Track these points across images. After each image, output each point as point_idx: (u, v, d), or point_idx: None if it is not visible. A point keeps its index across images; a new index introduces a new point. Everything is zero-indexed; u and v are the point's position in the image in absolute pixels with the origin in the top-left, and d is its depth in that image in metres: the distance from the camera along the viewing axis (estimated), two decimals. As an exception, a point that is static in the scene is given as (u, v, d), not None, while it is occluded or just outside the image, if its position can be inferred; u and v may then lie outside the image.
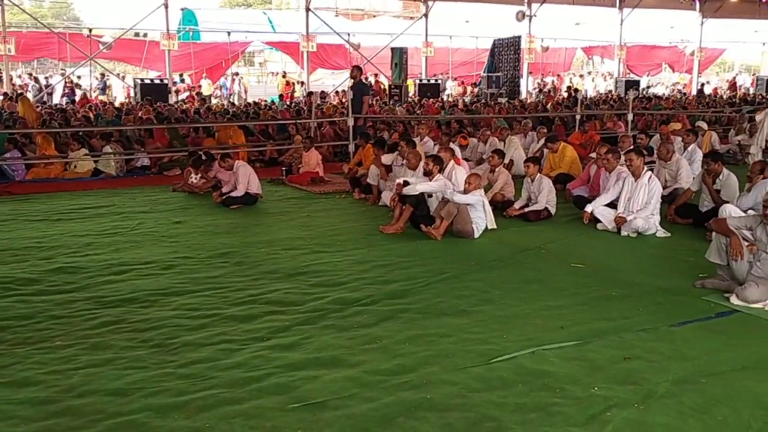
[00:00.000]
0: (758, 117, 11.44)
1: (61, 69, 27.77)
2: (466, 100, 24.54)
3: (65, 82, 24.77)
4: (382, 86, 26.95)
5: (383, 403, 3.57)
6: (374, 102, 20.20)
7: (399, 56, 26.08)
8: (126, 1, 28.08)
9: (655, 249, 6.98)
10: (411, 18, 31.50)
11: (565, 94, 26.29)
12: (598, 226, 7.64)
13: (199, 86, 26.62)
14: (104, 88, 25.22)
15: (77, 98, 22.82)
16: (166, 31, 23.90)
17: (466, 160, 11.22)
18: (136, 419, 3.43)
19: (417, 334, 4.55)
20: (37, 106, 18.05)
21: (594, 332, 4.56)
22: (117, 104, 21.09)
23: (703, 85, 33.17)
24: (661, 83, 36.67)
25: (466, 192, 7.32)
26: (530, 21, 28.94)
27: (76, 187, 10.66)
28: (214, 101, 24.35)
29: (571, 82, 33.26)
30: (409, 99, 23.98)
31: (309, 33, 26.44)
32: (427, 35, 28.72)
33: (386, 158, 9.52)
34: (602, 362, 4.08)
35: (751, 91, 30.95)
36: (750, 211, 6.26)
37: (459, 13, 31.49)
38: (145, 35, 26.89)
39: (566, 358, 4.14)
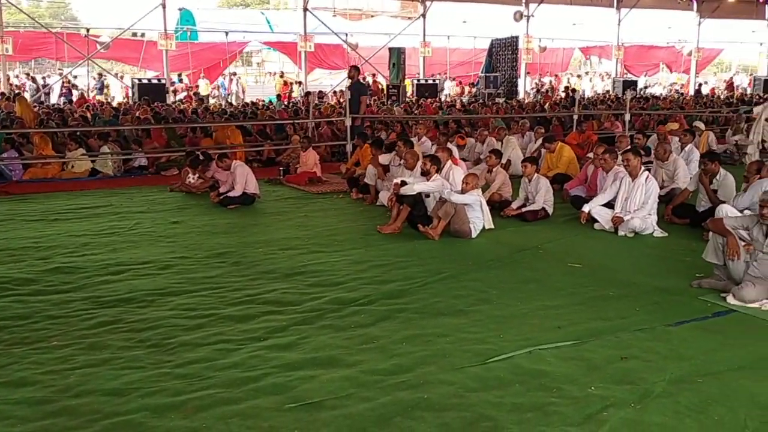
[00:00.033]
0: (757, 109, 11.47)
1: (59, 69, 27.76)
2: (464, 100, 24.56)
3: (62, 82, 24.74)
4: (380, 86, 26.96)
5: (380, 403, 3.57)
6: (372, 102, 20.22)
7: (397, 56, 26.11)
8: (124, 1, 28.12)
9: (652, 249, 6.99)
10: (409, 18, 31.54)
11: (563, 94, 26.32)
12: (596, 226, 7.65)
13: (197, 86, 26.60)
14: (102, 88, 25.20)
15: (74, 98, 22.80)
16: (164, 31, 23.89)
17: (464, 160, 11.21)
18: (132, 419, 3.43)
19: (414, 333, 4.55)
20: (35, 106, 18.04)
21: (591, 332, 4.56)
22: (115, 104, 21.09)
23: (700, 85, 33.22)
24: (659, 83, 36.72)
25: (463, 192, 7.32)
26: (528, 21, 28.98)
27: (74, 187, 10.65)
28: (211, 101, 24.34)
29: (568, 82, 33.29)
30: (407, 99, 24.00)
31: (307, 33, 26.45)
32: (424, 35, 28.74)
33: (384, 158, 9.52)
34: (599, 362, 4.09)
35: (749, 91, 30.98)
36: (746, 211, 6.27)
37: (457, 14, 31.56)
38: (142, 35, 26.89)
39: (563, 357, 4.15)
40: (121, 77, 27.21)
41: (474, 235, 7.27)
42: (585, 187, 8.91)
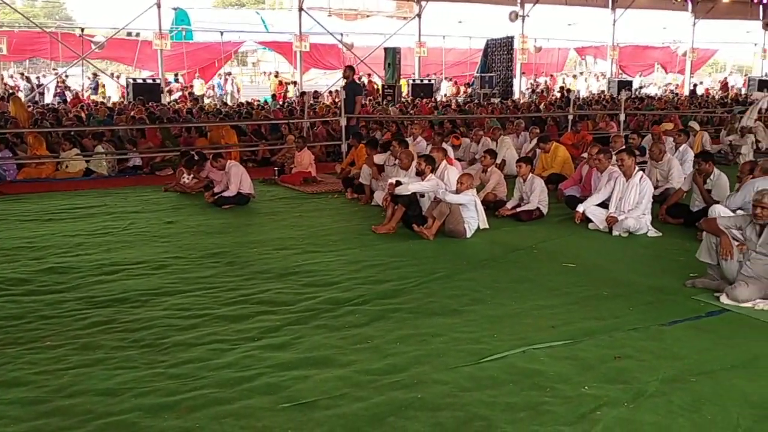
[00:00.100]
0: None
1: (53, 69, 27.68)
2: (459, 101, 24.57)
3: (57, 82, 24.68)
4: (375, 86, 26.95)
5: (374, 403, 3.58)
6: (367, 102, 20.21)
7: (392, 56, 26.08)
8: (118, 1, 28.00)
9: (646, 249, 7.01)
10: (404, 18, 31.54)
11: (558, 95, 26.35)
12: (590, 225, 7.67)
13: (191, 86, 26.56)
14: (96, 88, 25.13)
15: (69, 98, 22.74)
16: (159, 31, 23.83)
17: (459, 160, 11.22)
18: (126, 419, 3.42)
19: (408, 333, 4.55)
20: (29, 106, 17.98)
21: (585, 331, 4.57)
22: (111, 104, 21.04)
23: (695, 85, 33.29)
24: (654, 83, 36.80)
25: (458, 192, 7.33)
26: (523, 21, 28.98)
27: (68, 187, 10.62)
28: (207, 101, 24.30)
29: (563, 82, 33.33)
30: (402, 99, 24.00)
31: (302, 33, 26.41)
32: (420, 35, 28.72)
33: (378, 158, 9.52)
34: (593, 361, 4.10)
35: (743, 91, 31.06)
36: (739, 211, 6.29)
37: (452, 14, 31.55)
38: (137, 35, 26.81)
39: (557, 357, 4.16)
40: (118, 77, 27.14)
41: (469, 235, 7.27)
42: (579, 187, 8.92)
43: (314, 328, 4.65)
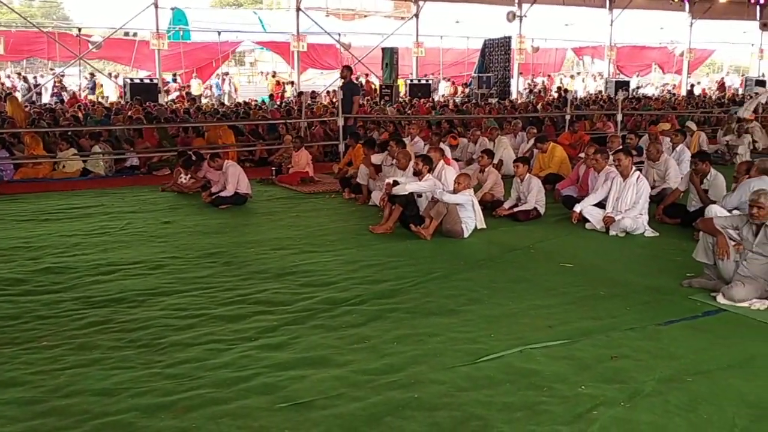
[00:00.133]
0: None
1: (51, 69, 27.64)
2: (457, 101, 24.58)
3: (54, 82, 24.65)
4: (373, 86, 26.94)
5: (371, 403, 3.58)
6: (365, 102, 20.20)
7: (390, 56, 26.08)
8: (116, 1, 27.96)
9: (643, 248, 7.02)
10: (402, 18, 31.50)
11: (555, 95, 26.36)
12: (587, 225, 7.68)
13: (188, 86, 26.53)
14: (93, 88, 25.10)
15: (66, 98, 22.71)
16: (156, 31, 23.81)
17: (456, 160, 11.24)
18: (122, 419, 3.42)
19: (405, 333, 4.55)
20: (26, 106, 17.96)
21: (581, 331, 4.57)
22: (108, 104, 21.02)
23: (692, 86, 33.34)
24: (651, 84, 36.83)
25: (455, 192, 7.33)
26: (521, 21, 28.99)
27: (65, 187, 10.61)
28: (204, 101, 24.28)
29: (561, 82, 33.35)
30: (400, 99, 24.00)
31: (300, 33, 26.40)
32: (417, 35, 28.72)
33: (376, 158, 9.52)
34: (589, 361, 4.10)
35: (740, 91, 31.11)
36: (735, 211, 6.30)
37: (450, 14, 31.54)
38: (134, 35, 26.78)
39: (554, 357, 4.16)
40: (116, 77, 27.10)
41: (466, 234, 7.28)
42: (577, 187, 8.93)
43: (311, 328, 4.65)
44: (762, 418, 3.47)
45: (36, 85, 24.98)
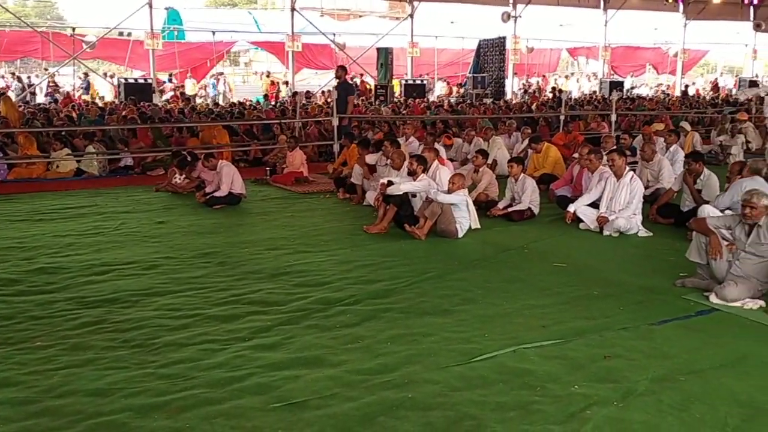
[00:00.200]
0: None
1: (45, 68, 27.57)
2: (452, 101, 24.60)
3: (48, 82, 24.58)
4: (368, 86, 26.94)
5: (365, 403, 3.58)
6: (359, 102, 20.20)
7: (384, 56, 26.11)
8: (110, 1, 27.89)
9: (637, 248, 7.03)
10: (397, 18, 31.54)
11: (550, 95, 26.41)
12: (581, 225, 7.69)
13: (183, 86, 26.48)
14: (87, 88, 25.04)
15: (60, 98, 22.66)
16: (150, 31, 23.77)
17: (451, 160, 11.23)
18: (116, 419, 3.42)
19: (400, 333, 4.56)
20: (20, 106, 17.90)
21: (575, 331, 4.59)
22: (102, 103, 20.97)
23: (687, 86, 33.43)
24: (645, 84, 36.92)
25: (450, 192, 7.34)
26: (515, 22, 29.03)
27: (59, 187, 10.58)
28: (198, 101, 24.25)
29: (555, 83, 33.40)
30: (395, 99, 24.00)
31: (294, 33, 26.40)
32: (412, 35, 28.75)
33: (370, 158, 9.53)
34: (583, 361, 4.11)
35: (734, 92, 31.21)
36: (727, 211, 6.33)
37: (445, 14, 31.58)
38: (129, 34, 26.73)
39: (547, 356, 4.17)
40: (112, 76, 27.03)
41: (460, 234, 7.29)
42: (571, 187, 8.95)
43: (305, 328, 4.65)
44: (753, 417, 3.49)
45: (30, 85, 24.90)
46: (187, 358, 4.14)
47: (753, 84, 28.96)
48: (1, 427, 3.36)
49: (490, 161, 10.09)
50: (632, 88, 33.25)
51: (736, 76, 37.68)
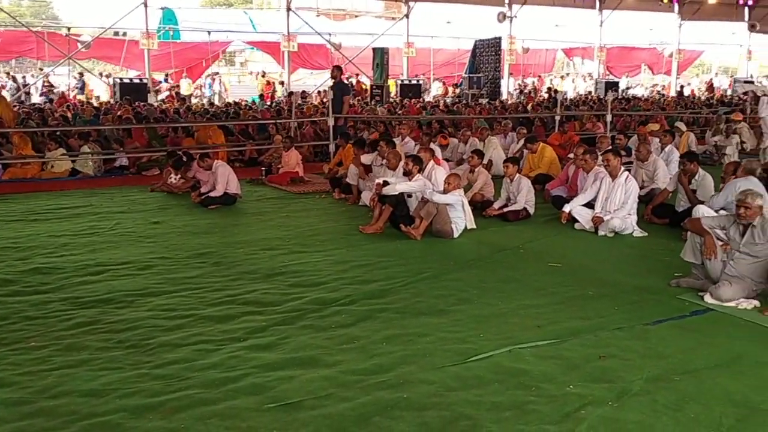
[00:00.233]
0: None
1: (40, 68, 27.49)
2: (448, 101, 24.61)
3: (43, 82, 24.52)
4: (364, 86, 26.94)
5: (360, 403, 3.58)
6: (355, 102, 20.19)
7: (380, 56, 26.10)
8: (105, 0, 27.83)
9: (632, 248, 7.05)
10: (392, 18, 31.50)
11: (545, 95, 26.44)
12: (576, 225, 7.71)
13: (178, 86, 26.43)
14: (82, 88, 24.97)
15: (55, 98, 22.60)
16: (146, 30, 23.72)
17: (447, 160, 11.26)
18: (110, 420, 3.41)
19: (395, 333, 4.56)
20: (15, 106, 17.85)
21: (570, 331, 4.59)
22: (98, 103, 20.93)
23: (682, 87, 33.50)
24: (640, 84, 36.99)
25: (445, 192, 7.34)
26: (511, 22, 29.05)
27: (53, 187, 10.56)
28: (194, 101, 24.21)
29: (551, 83, 33.44)
30: (391, 99, 24.01)
31: (290, 33, 26.37)
32: (408, 36, 28.76)
33: (366, 158, 9.52)
34: (578, 361, 4.12)
35: (729, 92, 31.29)
36: (722, 211, 6.34)
37: (440, 14, 31.55)
38: (124, 34, 26.67)
39: (542, 356, 4.17)
40: (110, 75, 26.97)
41: (456, 235, 7.29)
42: (566, 187, 8.96)
43: (300, 329, 4.65)
44: (748, 417, 3.49)
45: (25, 85, 24.83)
46: (182, 358, 4.13)
47: (749, 83, 29.05)
48: (-5, 427, 3.36)
49: (485, 161, 10.10)
50: (627, 88, 33.30)
51: (731, 76, 37.77)
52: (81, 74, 25.60)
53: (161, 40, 25.91)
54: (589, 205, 7.77)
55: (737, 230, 5.28)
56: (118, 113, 16.19)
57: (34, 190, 10.29)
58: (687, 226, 5.84)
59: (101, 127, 13.95)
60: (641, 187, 8.48)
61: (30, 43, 25.26)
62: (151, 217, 8.39)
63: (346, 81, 18.26)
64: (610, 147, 9.55)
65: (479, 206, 8.41)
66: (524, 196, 8.26)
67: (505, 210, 8.28)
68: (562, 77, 35.65)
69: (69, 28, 26.43)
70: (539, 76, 34.74)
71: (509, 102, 24.46)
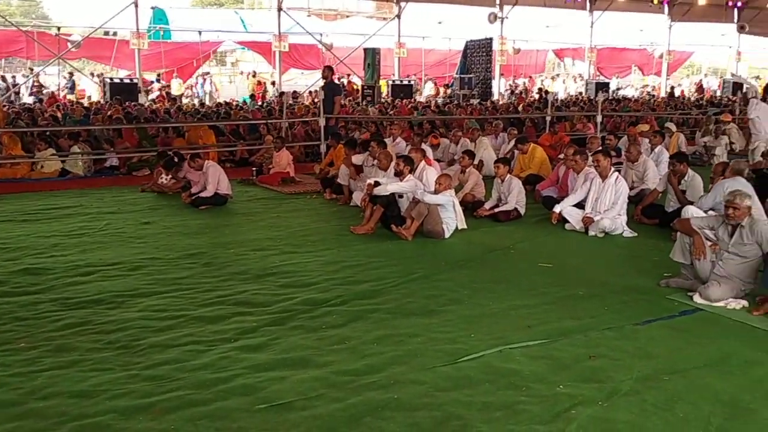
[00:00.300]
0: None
1: (29, 68, 27.35)
2: (439, 101, 24.64)
3: (33, 81, 24.39)
4: (355, 87, 26.94)
5: (350, 403, 3.58)
6: (346, 102, 20.19)
7: (372, 57, 26.11)
8: (95, 0, 27.71)
9: (622, 249, 7.08)
10: (384, 19, 31.54)
11: (536, 96, 26.50)
12: (566, 226, 7.73)
13: (168, 86, 26.35)
14: (72, 87, 24.86)
15: (45, 97, 22.49)
16: (136, 30, 23.64)
17: (438, 160, 11.28)
18: (100, 421, 3.40)
19: (386, 334, 4.56)
20: (4, 106, 17.75)
21: (560, 331, 4.61)
22: (88, 103, 20.84)
23: (673, 87, 33.65)
24: (631, 85, 37.13)
25: (436, 192, 7.35)
26: (502, 23, 29.11)
27: (43, 188, 10.51)
28: (185, 101, 24.14)
29: (542, 84, 33.53)
30: (382, 100, 24.01)
31: (281, 33, 26.34)
32: (399, 36, 28.78)
33: (357, 158, 9.53)
34: (568, 361, 4.13)
35: (718, 93, 31.45)
36: (711, 212, 6.38)
37: (432, 14, 31.58)
38: (114, 34, 26.57)
39: (532, 356, 4.19)
40: (98, 75, 26.84)
41: (447, 235, 7.30)
42: (557, 187, 8.99)
43: (291, 329, 4.64)
44: (736, 416, 3.52)
45: (14, 85, 24.70)
46: (173, 359, 4.13)
47: (737, 86, 29.19)
48: (-16, 429, 3.34)
49: (476, 162, 10.12)
50: (618, 89, 33.44)
51: (721, 77, 37.95)
52: (71, 74, 25.48)
53: (152, 39, 25.83)
54: (580, 205, 7.80)
55: (726, 231, 5.31)
56: (109, 113, 16.13)
57: (23, 191, 10.24)
58: (676, 227, 5.87)
59: (91, 127, 13.89)
60: (631, 188, 8.52)
61: (20, 42, 25.12)
62: (142, 217, 8.37)
63: (337, 81, 18.24)
64: (600, 148, 9.59)
65: (470, 207, 8.43)
66: (515, 197, 8.28)
67: (496, 210, 8.30)
68: (552, 78, 35.76)
69: (59, 28, 26.27)
70: (530, 77, 34.83)
71: (500, 102, 24.51)
